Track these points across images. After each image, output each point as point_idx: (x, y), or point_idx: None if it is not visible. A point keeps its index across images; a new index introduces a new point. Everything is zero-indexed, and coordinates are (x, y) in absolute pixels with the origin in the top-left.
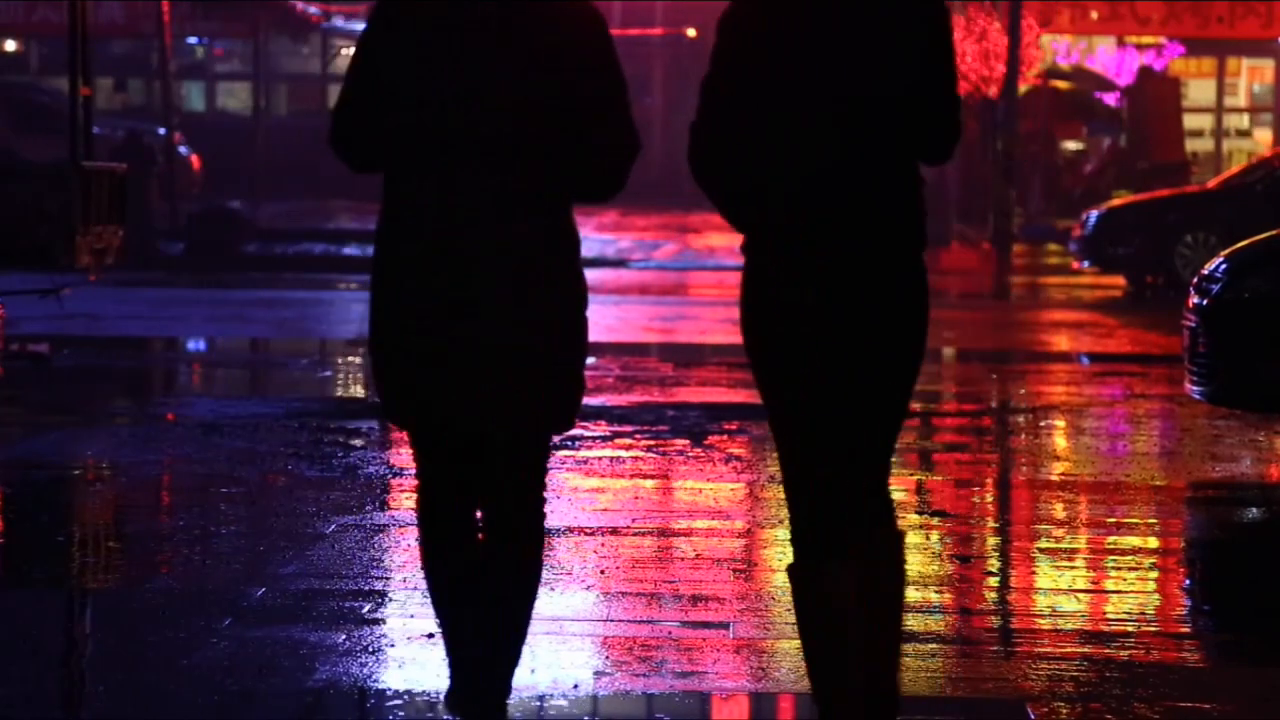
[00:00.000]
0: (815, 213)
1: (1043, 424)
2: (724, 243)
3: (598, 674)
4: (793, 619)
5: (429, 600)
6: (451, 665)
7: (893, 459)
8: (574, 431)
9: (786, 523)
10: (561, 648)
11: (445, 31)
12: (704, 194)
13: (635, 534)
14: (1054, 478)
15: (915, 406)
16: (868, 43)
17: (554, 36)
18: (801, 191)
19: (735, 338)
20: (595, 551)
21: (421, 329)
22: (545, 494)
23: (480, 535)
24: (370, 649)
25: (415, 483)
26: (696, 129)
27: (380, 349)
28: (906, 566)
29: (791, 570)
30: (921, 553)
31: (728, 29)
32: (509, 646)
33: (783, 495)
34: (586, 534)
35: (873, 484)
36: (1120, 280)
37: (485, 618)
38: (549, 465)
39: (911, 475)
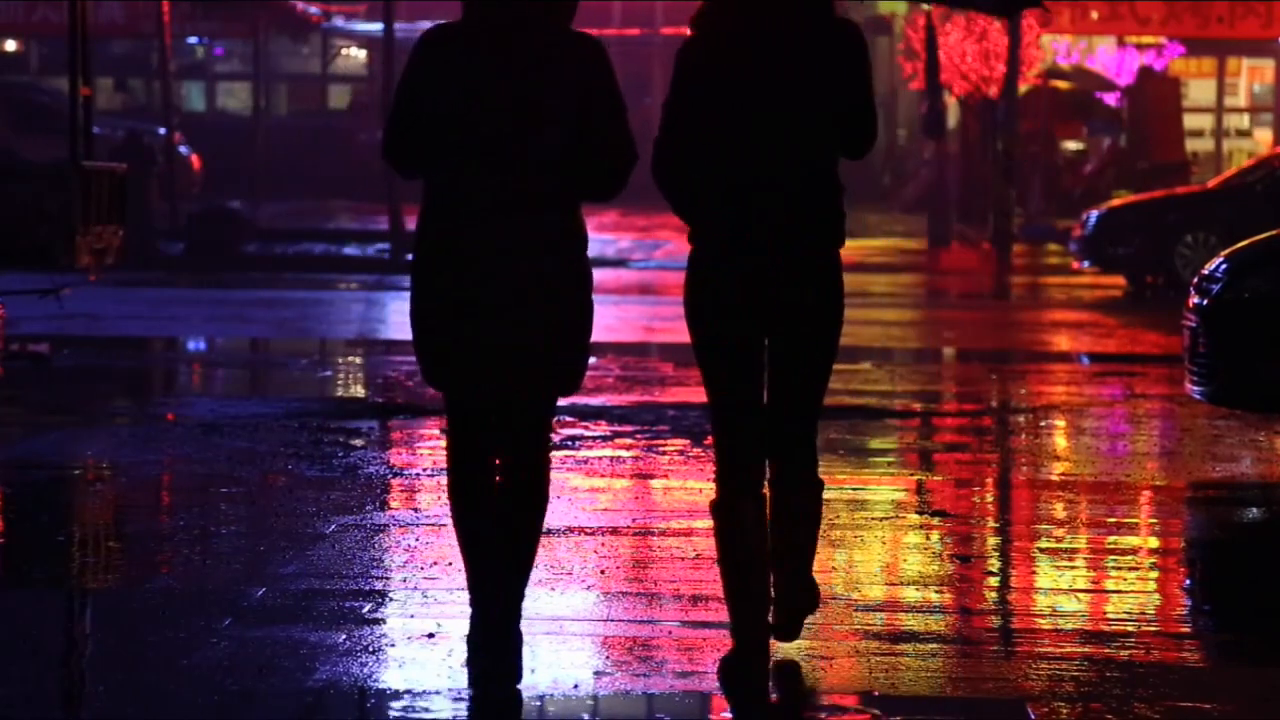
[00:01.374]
0: (750, 210)
1: (1043, 424)
2: None
3: (598, 674)
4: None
5: (429, 600)
6: (472, 597)
7: (818, 418)
8: (574, 431)
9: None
10: (561, 648)
11: (473, 62)
12: (661, 194)
13: (635, 534)
14: (1054, 478)
15: (916, 406)
16: (798, 74)
17: (563, 64)
18: (739, 194)
19: None
20: (595, 551)
21: (453, 308)
22: (551, 440)
23: (498, 478)
24: (370, 649)
25: (429, 468)
26: (659, 143)
27: (420, 325)
28: (822, 509)
29: (713, 505)
30: (921, 553)
31: (684, 62)
32: (522, 562)
33: None
34: (586, 534)
35: (798, 435)
36: (1120, 280)
37: (503, 539)
38: (553, 429)
39: (911, 475)
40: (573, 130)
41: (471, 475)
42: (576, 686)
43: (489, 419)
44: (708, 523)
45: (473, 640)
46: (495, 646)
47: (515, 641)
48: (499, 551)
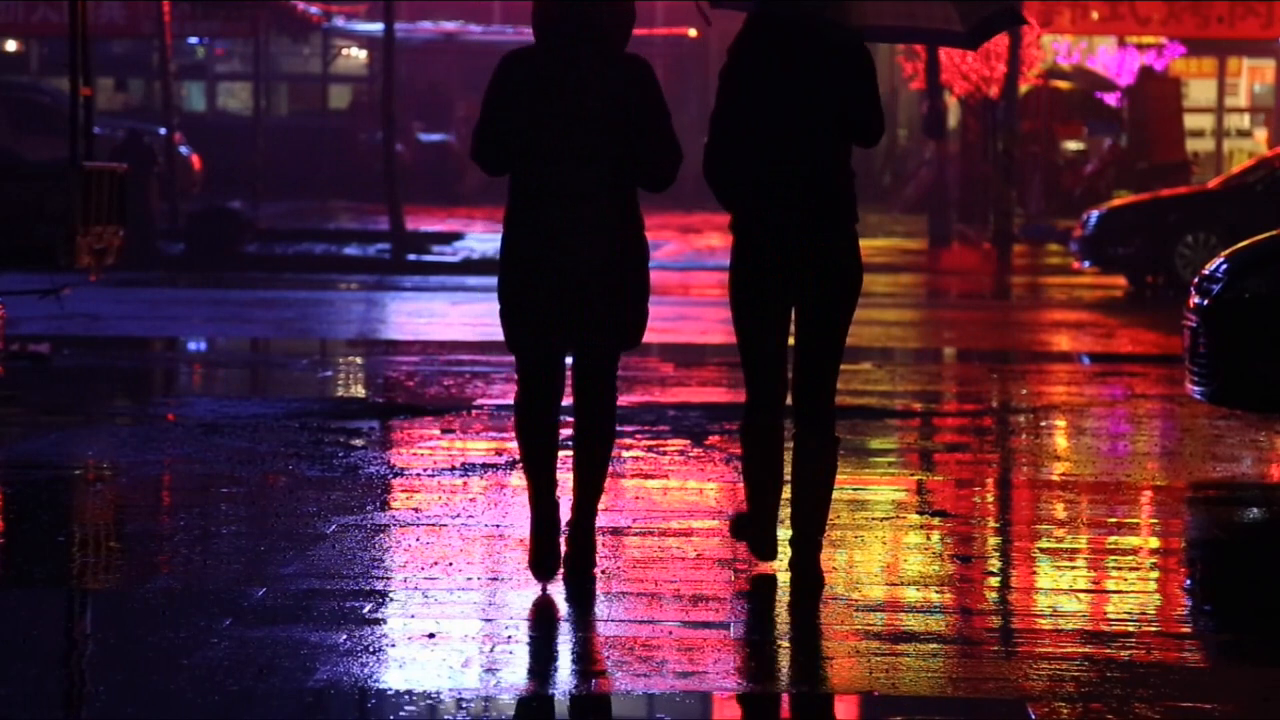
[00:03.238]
0: (781, 198)
1: (1043, 424)
2: (724, 243)
3: (598, 674)
4: (791, 618)
5: (429, 600)
6: (534, 528)
7: (835, 383)
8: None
9: (787, 522)
10: (562, 648)
11: (541, 80)
12: (711, 189)
13: (635, 534)
14: (1054, 478)
15: (916, 406)
16: (816, 87)
17: (616, 81)
18: (772, 185)
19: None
20: (595, 552)
21: (534, 278)
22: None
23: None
24: (371, 649)
25: (429, 468)
26: (709, 148)
27: (506, 295)
28: (838, 464)
29: (742, 428)
30: (921, 553)
31: (724, 82)
32: (595, 485)
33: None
34: None
35: (817, 401)
36: (1120, 280)
37: (581, 464)
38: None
39: (911, 475)
40: (623, 135)
41: (537, 429)
42: (577, 686)
43: (555, 379)
44: (708, 523)
45: (534, 549)
46: (573, 545)
47: (590, 541)
48: (579, 464)
